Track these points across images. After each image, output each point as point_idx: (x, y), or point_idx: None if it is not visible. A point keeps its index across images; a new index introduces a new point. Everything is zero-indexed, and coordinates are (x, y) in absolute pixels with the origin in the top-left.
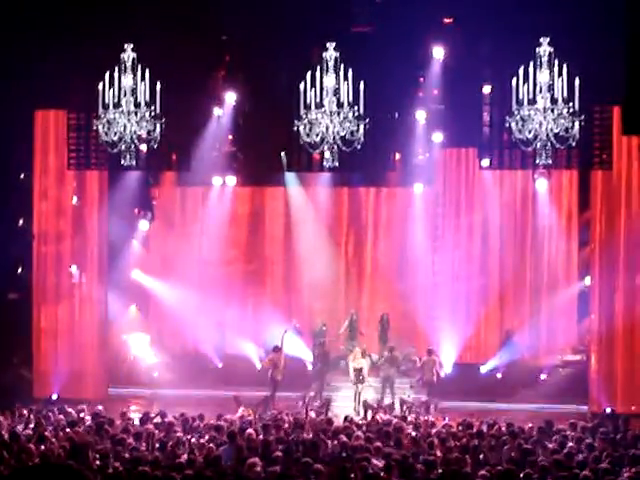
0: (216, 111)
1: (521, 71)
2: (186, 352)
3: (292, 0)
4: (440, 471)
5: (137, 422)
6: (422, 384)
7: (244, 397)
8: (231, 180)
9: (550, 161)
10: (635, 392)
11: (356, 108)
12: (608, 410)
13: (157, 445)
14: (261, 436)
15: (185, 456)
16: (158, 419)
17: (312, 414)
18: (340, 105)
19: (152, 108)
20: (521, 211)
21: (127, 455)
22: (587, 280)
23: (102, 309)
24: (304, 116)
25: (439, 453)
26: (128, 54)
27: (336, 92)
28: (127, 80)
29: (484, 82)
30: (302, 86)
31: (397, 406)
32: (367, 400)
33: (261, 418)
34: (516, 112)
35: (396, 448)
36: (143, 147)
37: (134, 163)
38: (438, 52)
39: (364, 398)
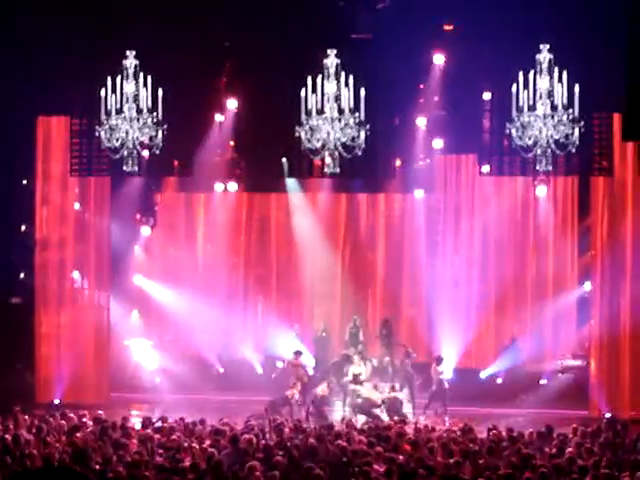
0: (218, 117)
1: (521, 78)
2: (188, 357)
3: (293, 7)
4: (440, 476)
5: (139, 427)
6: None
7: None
8: (232, 186)
9: (550, 167)
10: (635, 397)
11: (357, 114)
12: (608, 415)
13: (158, 450)
14: (262, 441)
15: (186, 461)
16: (159, 424)
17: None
18: (341, 111)
19: (154, 114)
20: (521, 217)
21: (129, 459)
22: (587, 286)
23: (104, 314)
24: (305, 122)
25: (439, 458)
26: (130, 61)
27: (337, 98)
28: (129, 87)
29: (484, 89)
30: (303, 92)
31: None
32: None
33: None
34: (516, 119)
35: (396, 453)
36: (145, 153)
37: (136, 169)
38: (438, 59)
39: (358, 403)
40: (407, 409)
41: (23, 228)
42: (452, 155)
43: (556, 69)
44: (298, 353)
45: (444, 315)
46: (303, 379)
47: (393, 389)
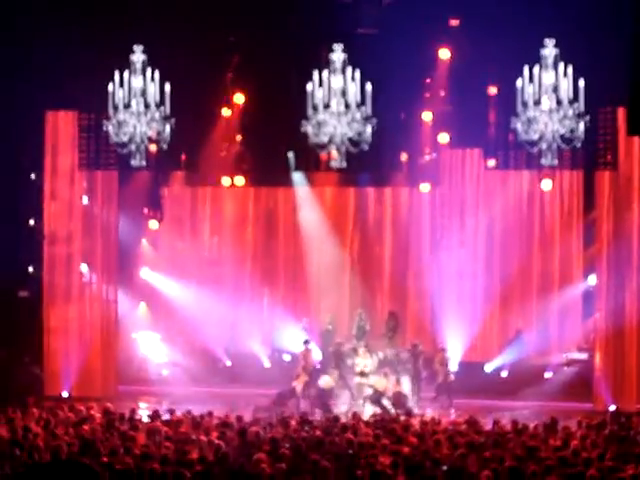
0: (225, 112)
1: (526, 72)
2: (195, 350)
3: (299, 2)
4: (446, 468)
5: (146, 419)
6: (430, 383)
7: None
8: (239, 180)
9: (555, 162)
10: (639, 390)
11: (363, 109)
12: (612, 408)
13: (166, 442)
14: (269, 434)
15: (194, 453)
16: (167, 416)
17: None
18: (347, 106)
19: (161, 109)
20: (526, 211)
21: (137, 452)
22: (592, 279)
23: (112, 308)
24: (312, 117)
25: (445, 450)
26: (138, 56)
27: (343, 93)
28: (137, 81)
29: (490, 83)
30: (309, 87)
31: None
32: (371, 396)
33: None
34: (521, 113)
35: (402, 445)
36: (153, 147)
37: (144, 163)
38: (444, 53)
39: (367, 394)
40: (411, 402)
41: (31, 222)
42: (458, 149)
43: (561, 64)
44: (307, 342)
45: (449, 308)
46: (309, 369)
47: (398, 382)
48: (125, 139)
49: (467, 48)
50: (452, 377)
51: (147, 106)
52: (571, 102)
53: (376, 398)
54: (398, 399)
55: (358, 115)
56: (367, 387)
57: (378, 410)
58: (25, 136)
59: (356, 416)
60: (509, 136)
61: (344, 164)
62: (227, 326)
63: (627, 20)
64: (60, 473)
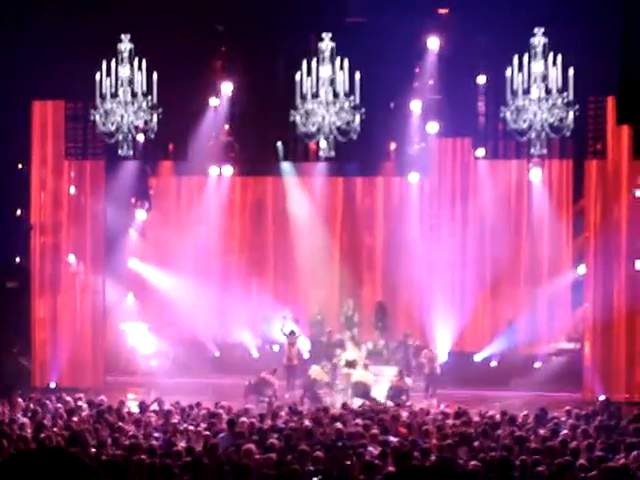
0: (213, 101)
1: (516, 61)
2: (183, 340)
3: None
4: (434, 458)
5: (135, 410)
6: (419, 373)
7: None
8: (228, 170)
9: (544, 151)
10: (629, 380)
11: (352, 98)
12: (602, 398)
13: (154, 433)
14: (258, 424)
15: (182, 444)
16: (155, 407)
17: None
18: (336, 95)
19: (149, 98)
20: (516, 201)
21: (125, 443)
22: (581, 269)
23: (100, 298)
24: (300, 106)
25: (434, 440)
26: (125, 44)
27: (332, 82)
28: (124, 70)
29: (479, 72)
30: (298, 76)
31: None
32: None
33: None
34: (511, 102)
35: (392, 435)
36: (140, 137)
37: (131, 153)
38: (433, 43)
39: (353, 386)
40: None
41: (19, 212)
42: (447, 139)
43: (551, 53)
44: (292, 333)
45: (439, 298)
46: (293, 361)
47: (401, 374)
48: (112, 128)
49: (456, 37)
50: (439, 371)
51: (134, 95)
52: (560, 91)
53: (361, 392)
54: (397, 394)
55: (346, 104)
56: (353, 377)
57: (366, 402)
58: (12, 125)
59: (346, 406)
60: (498, 125)
61: (332, 153)
62: (215, 316)
63: (617, 9)
64: (45, 462)
